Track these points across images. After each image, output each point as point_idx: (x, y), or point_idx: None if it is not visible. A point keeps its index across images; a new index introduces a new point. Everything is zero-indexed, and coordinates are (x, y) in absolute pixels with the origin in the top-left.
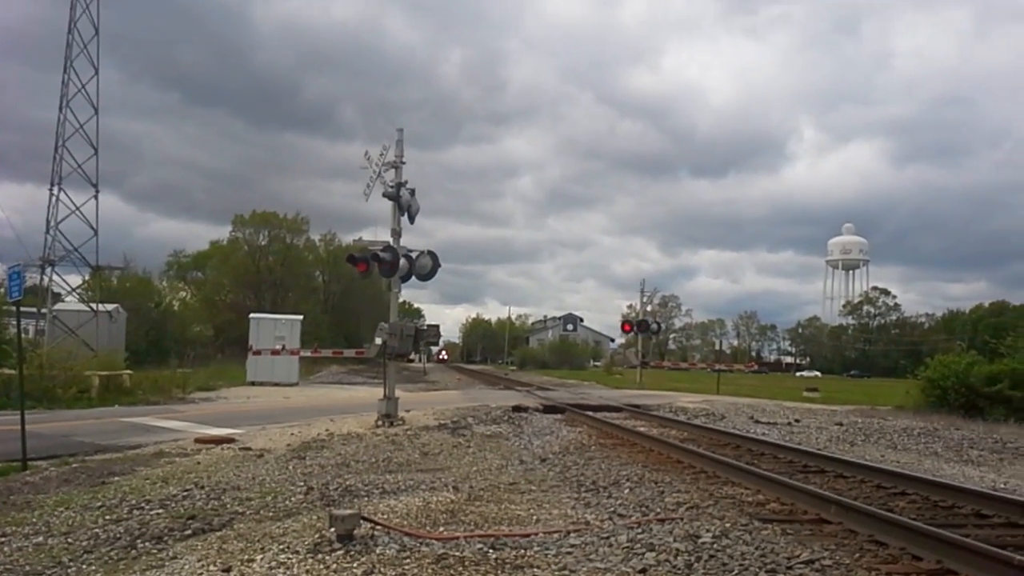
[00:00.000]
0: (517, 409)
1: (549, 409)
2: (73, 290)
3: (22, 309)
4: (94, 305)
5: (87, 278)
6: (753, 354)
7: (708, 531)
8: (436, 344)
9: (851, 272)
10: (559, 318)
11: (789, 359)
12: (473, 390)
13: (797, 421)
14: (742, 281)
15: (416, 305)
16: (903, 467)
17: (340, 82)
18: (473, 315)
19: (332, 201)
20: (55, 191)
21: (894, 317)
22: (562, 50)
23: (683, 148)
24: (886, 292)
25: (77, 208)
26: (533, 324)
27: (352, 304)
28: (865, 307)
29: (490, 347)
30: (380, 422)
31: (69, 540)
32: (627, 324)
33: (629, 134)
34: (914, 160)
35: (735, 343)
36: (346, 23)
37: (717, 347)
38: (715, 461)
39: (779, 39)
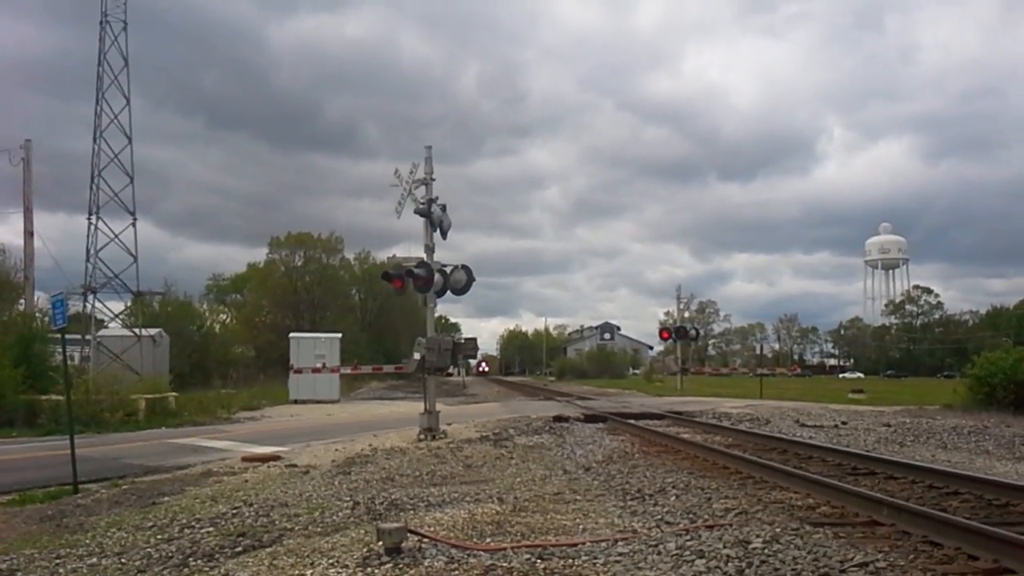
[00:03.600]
0: (558, 419)
1: (590, 418)
2: (116, 316)
3: (66, 336)
4: (137, 330)
5: (129, 304)
6: (795, 357)
7: (758, 536)
8: (474, 357)
9: (891, 271)
10: (596, 327)
11: (832, 361)
12: (513, 402)
13: (844, 423)
14: (778, 284)
15: (452, 319)
16: (954, 466)
17: (360, 101)
18: (508, 327)
19: (361, 219)
20: (93, 220)
21: (937, 315)
22: (579, 58)
23: (709, 151)
24: (928, 291)
25: (116, 236)
26: (570, 334)
27: (389, 320)
28: (907, 306)
29: (528, 359)
30: (422, 436)
31: (122, 560)
32: (665, 331)
33: (653, 140)
34: (946, 155)
35: (776, 347)
36: (361, 41)
37: (758, 351)
38: (762, 466)
39: (800, 37)
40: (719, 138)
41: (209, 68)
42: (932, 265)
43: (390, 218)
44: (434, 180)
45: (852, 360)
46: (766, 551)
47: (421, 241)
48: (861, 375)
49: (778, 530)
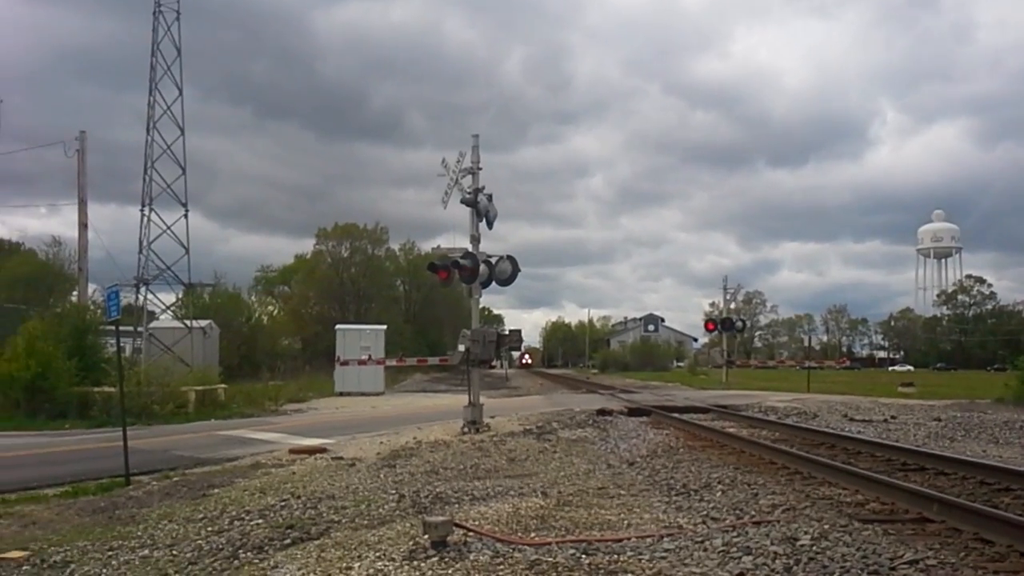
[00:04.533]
0: (601, 413)
1: (634, 412)
2: (167, 308)
3: (120, 328)
4: (188, 322)
5: (180, 296)
6: (844, 349)
7: (806, 533)
8: (518, 349)
9: (943, 260)
10: (639, 319)
11: (882, 354)
12: (556, 395)
13: (893, 418)
14: (827, 274)
15: (495, 311)
16: (1006, 462)
17: (405, 88)
18: (551, 319)
19: (405, 209)
20: (146, 212)
21: (990, 306)
22: (625, 41)
23: (758, 136)
24: (981, 280)
25: (168, 227)
26: (613, 326)
27: (433, 312)
28: (960, 296)
29: (570, 351)
30: (466, 429)
31: (174, 552)
32: (711, 322)
33: (701, 125)
34: (1003, 138)
35: (824, 339)
36: (406, 27)
37: (806, 343)
38: (809, 461)
39: (851, 16)
40: (769, 122)
41: (257, 57)
42: (985, 254)
43: (434, 208)
44: (481, 169)
45: (902, 352)
46: (814, 548)
47: (465, 231)
48: (911, 368)
49: (826, 527)
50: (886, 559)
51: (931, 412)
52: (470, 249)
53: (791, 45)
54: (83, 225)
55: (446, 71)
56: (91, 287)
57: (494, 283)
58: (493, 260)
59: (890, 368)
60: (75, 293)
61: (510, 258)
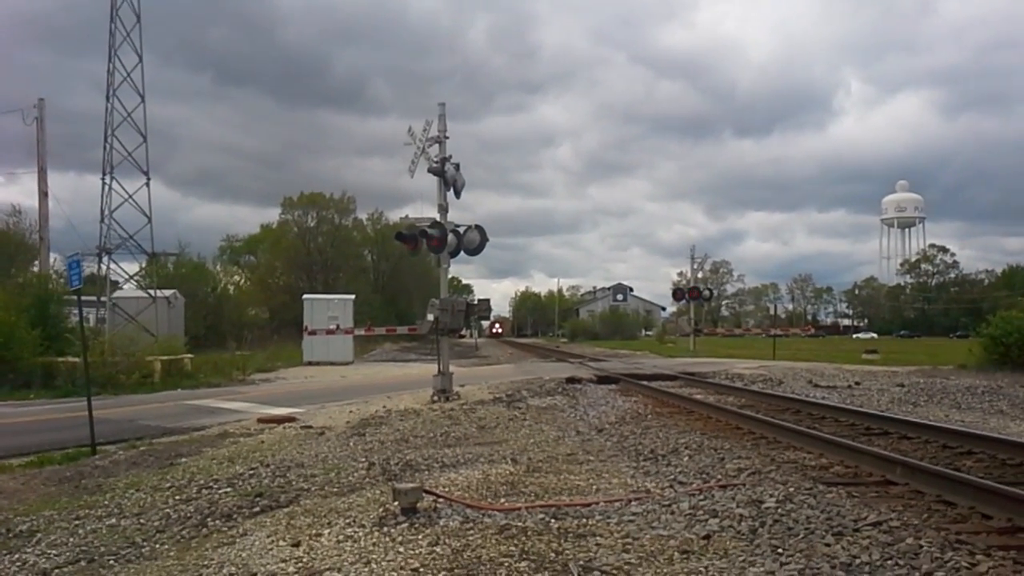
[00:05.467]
0: (571, 381)
1: (603, 380)
2: (131, 277)
3: (82, 298)
4: (152, 291)
5: (144, 265)
6: (809, 318)
7: (771, 496)
8: (487, 318)
9: (907, 230)
10: (608, 288)
11: (847, 322)
12: (525, 363)
13: (857, 384)
14: (792, 243)
15: (464, 281)
16: (968, 426)
17: (367, 55)
18: (519, 288)
19: (371, 179)
20: (107, 180)
21: (952, 275)
22: (591, 10)
23: (724, 107)
24: (944, 250)
25: (130, 196)
26: (583, 295)
27: (402, 282)
28: (923, 265)
29: (540, 320)
30: (436, 397)
31: (141, 521)
32: (678, 292)
33: (667, 95)
34: (965, 109)
35: (790, 307)
36: None
37: (772, 312)
38: (775, 426)
39: None
40: (735, 93)
41: (216, 22)
42: (949, 223)
43: (401, 177)
44: (448, 138)
45: (866, 320)
46: (779, 511)
47: (433, 201)
48: (875, 335)
49: (791, 490)
50: (850, 521)
51: (894, 378)
52: (438, 219)
53: (756, 15)
54: (43, 194)
55: (410, 38)
56: (53, 256)
57: (463, 253)
58: (461, 230)
59: (854, 336)
60: (37, 263)
61: (478, 228)
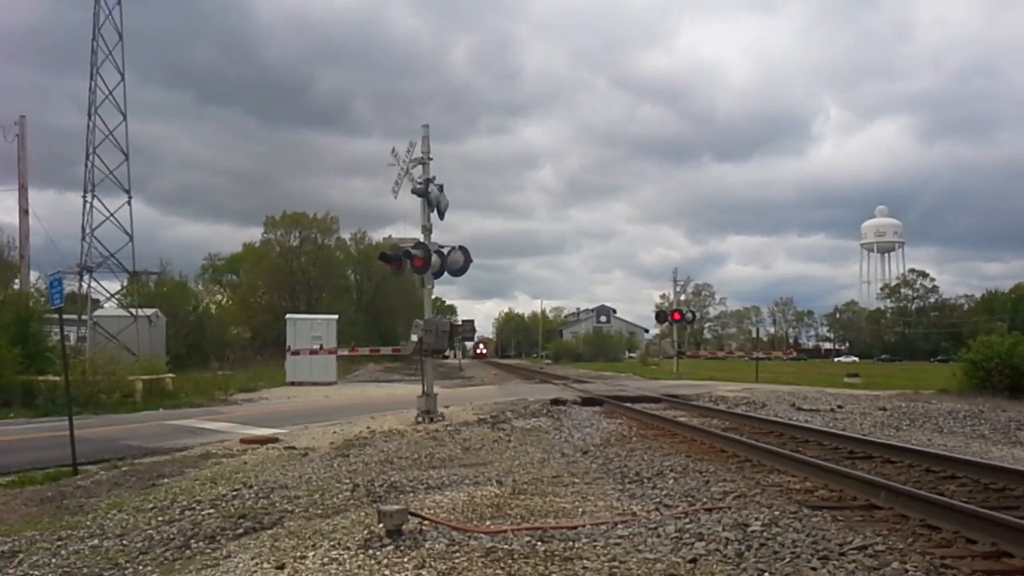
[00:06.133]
0: (555, 402)
1: (587, 401)
2: (112, 296)
3: (63, 316)
4: (133, 310)
5: (124, 284)
6: (791, 341)
7: (757, 519)
8: (471, 339)
9: (886, 255)
10: (592, 310)
11: (828, 345)
12: (509, 384)
13: (840, 407)
14: (773, 267)
15: (447, 301)
16: (951, 451)
17: (350, 75)
18: (503, 310)
19: (354, 199)
20: (88, 198)
21: (932, 299)
22: (572, 34)
23: (704, 131)
24: (923, 274)
25: (112, 214)
26: (566, 317)
27: (385, 302)
28: (903, 290)
29: (524, 341)
30: (420, 418)
31: (124, 542)
32: (661, 314)
33: (648, 119)
34: (942, 135)
35: (772, 330)
36: (350, 13)
37: (754, 334)
38: (759, 449)
39: (795, 12)
40: (714, 117)
41: (198, 41)
42: (927, 248)
43: (384, 197)
44: (431, 159)
45: (847, 344)
46: (765, 534)
47: (416, 221)
48: (856, 359)
49: (777, 513)
50: (835, 544)
51: (876, 402)
52: (421, 239)
53: (736, 40)
54: (24, 211)
55: (392, 59)
56: (33, 274)
57: (446, 273)
58: (445, 250)
59: (836, 359)
60: (17, 281)
61: (462, 248)
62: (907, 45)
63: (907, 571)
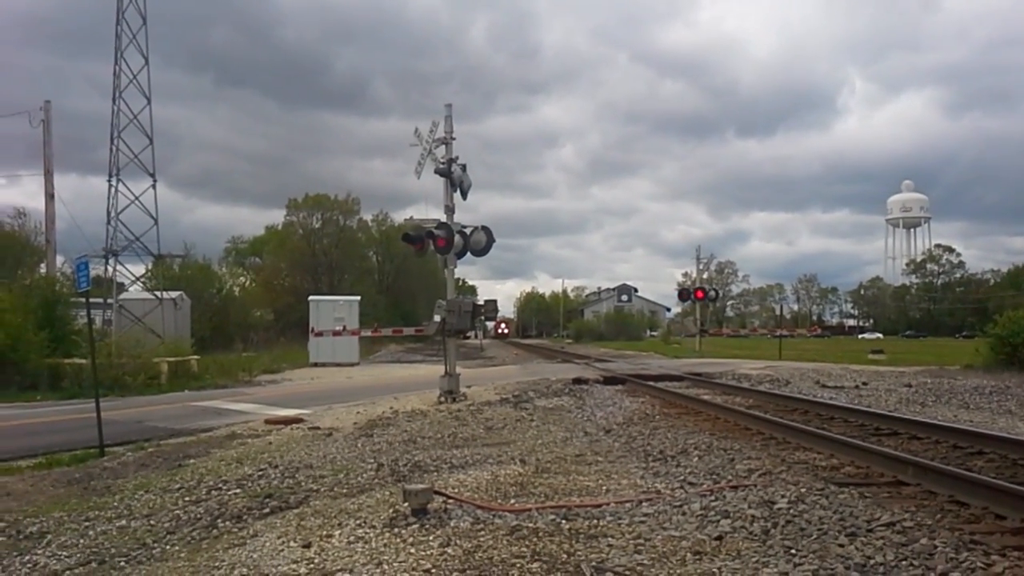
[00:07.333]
0: (577, 381)
1: (609, 380)
2: (137, 279)
3: (89, 300)
4: (159, 293)
5: (149, 267)
6: (814, 318)
7: (783, 497)
8: (493, 319)
9: (912, 230)
10: (613, 289)
11: (852, 322)
12: (531, 364)
13: (865, 384)
14: (797, 243)
15: (469, 281)
16: (977, 426)
17: (368, 55)
18: (524, 290)
19: (373, 179)
20: (113, 182)
21: (958, 275)
22: (592, 9)
23: (727, 106)
24: (950, 249)
25: (137, 198)
26: (587, 296)
27: (407, 283)
28: (928, 265)
29: (545, 321)
30: (443, 398)
31: (151, 522)
32: (684, 292)
33: (669, 95)
34: (969, 108)
35: (795, 307)
36: None
37: (777, 312)
38: (784, 427)
39: None
40: (737, 92)
41: (216, 21)
42: (954, 223)
43: (404, 178)
44: (454, 139)
45: (871, 320)
46: (791, 511)
47: (437, 201)
48: (880, 336)
49: (803, 490)
50: (863, 521)
51: (901, 378)
52: (443, 219)
53: (758, 13)
54: (50, 196)
55: (409, 38)
56: (59, 258)
57: (469, 253)
58: (467, 230)
59: (860, 336)
60: (43, 264)
61: (484, 228)
62: (933, 16)
63: (936, 547)
